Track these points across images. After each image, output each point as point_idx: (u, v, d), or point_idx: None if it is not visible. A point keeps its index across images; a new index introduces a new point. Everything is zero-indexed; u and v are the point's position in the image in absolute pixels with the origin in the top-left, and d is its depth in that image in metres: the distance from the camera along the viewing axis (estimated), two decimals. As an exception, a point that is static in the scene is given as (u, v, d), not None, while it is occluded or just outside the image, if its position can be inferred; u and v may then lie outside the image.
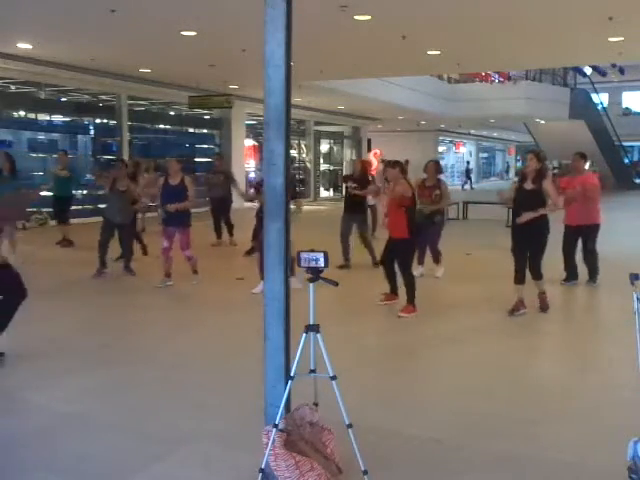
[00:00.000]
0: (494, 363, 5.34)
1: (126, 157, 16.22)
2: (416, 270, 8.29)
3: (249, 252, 10.05)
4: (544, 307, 6.85)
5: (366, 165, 10.36)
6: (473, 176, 40.53)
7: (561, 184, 8.30)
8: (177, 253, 8.20)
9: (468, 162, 40.34)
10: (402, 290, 6.94)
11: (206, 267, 8.63)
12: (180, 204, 7.89)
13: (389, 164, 7.29)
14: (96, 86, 15.94)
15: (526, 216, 6.43)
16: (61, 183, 11.45)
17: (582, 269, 8.40)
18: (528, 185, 6.56)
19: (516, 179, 7.95)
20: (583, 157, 8.28)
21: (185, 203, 7.95)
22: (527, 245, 6.62)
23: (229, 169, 14.14)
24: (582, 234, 8.21)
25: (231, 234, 11.91)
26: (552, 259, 7.57)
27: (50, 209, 12.59)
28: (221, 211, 11.83)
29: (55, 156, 13.40)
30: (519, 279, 6.71)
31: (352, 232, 9.59)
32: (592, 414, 4.29)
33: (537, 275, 6.71)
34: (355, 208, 9.52)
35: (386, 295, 7.20)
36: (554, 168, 30.24)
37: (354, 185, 9.47)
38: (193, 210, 8.29)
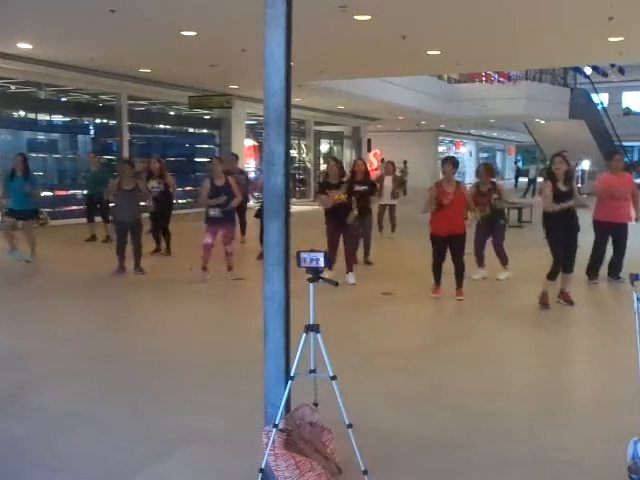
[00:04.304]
0: (495, 363, 5.34)
1: (126, 157, 16.28)
2: (477, 274, 8.44)
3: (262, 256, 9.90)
4: (570, 301, 7.11)
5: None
6: (473, 176, 40.54)
7: (600, 182, 8.76)
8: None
9: (517, 162, 42.01)
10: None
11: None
12: (235, 201, 8.41)
13: (448, 159, 7.54)
14: (96, 86, 15.93)
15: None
16: (96, 182, 11.82)
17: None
18: (562, 187, 6.80)
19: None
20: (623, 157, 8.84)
21: (236, 200, 8.44)
22: (569, 240, 6.86)
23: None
24: (614, 231, 8.38)
25: (243, 232, 12.09)
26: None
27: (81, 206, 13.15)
28: (240, 210, 11.88)
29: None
30: (555, 276, 6.90)
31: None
32: (592, 414, 4.30)
33: (572, 268, 6.98)
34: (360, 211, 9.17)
35: (437, 288, 7.49)
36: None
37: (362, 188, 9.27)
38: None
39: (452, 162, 7.45)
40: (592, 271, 8.49)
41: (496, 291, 8.09)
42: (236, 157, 13.76)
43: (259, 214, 9.84)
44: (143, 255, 8.98)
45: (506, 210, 8.73)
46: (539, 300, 6.93)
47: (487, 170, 8.58)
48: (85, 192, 12.76)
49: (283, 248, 3.15)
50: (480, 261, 8.65)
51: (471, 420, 4.09)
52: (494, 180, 8.62)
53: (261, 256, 9.76)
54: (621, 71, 29.60)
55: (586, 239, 8.43)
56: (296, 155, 25.01)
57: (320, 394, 3.32)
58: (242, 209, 11.98)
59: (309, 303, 3.16)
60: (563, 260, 6.88)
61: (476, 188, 8.46)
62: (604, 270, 8.59)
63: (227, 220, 8.45)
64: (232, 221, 8.67)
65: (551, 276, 6.89)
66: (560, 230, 6.86)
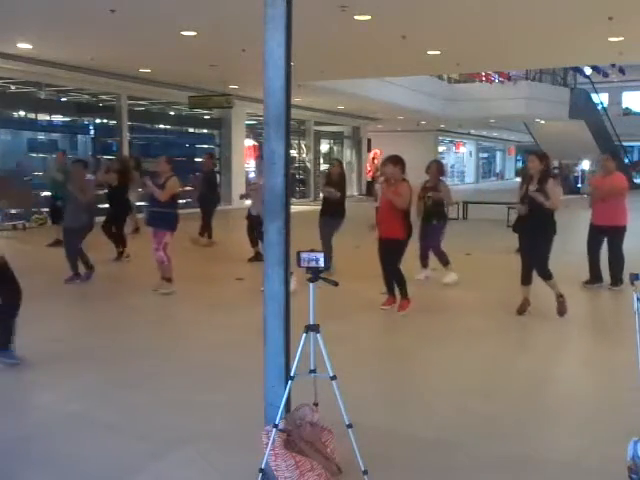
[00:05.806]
0: (494, 363, 5.34)
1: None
2: (419, 274, 8.35)
3: (254, 258, 9.52)
4: (561, 311, 6.60)
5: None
6: (472, 176, 40.51)
7: (593, 183, 8.70)
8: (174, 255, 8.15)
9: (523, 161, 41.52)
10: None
11: (206, 266, 8.63)
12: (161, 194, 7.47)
13: (389, 160, 6.73)
14: (96, 86, 15.93)
15: (535, 195, 6.29)
16: (59, 184, 10.92)
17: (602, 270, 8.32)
18: (533, 187, 6.46)
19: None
20: (613, 157, 8.53)
21: (162, 192, 7.45)
22: (531, 245, 6.58)
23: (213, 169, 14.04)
24: (607, 235, 8.10)
25: (210, 236, 11.87)
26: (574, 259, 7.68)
27: (47, 209, 12.67)
28: (206, 211, 11.85)
29: (54, 156, 13.52)
30: (524, 280, 6.71)
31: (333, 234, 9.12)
32: (592, 414, 4.29)
33: (544, 275, 6.58)
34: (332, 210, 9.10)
35: (387, 299, 6.99)
36: (554, 168, 30.19)
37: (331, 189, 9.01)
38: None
39: (393, 161, 6.65)
40: (591, 274, 8.25)
41: (492, 292, 8.09)
42: (210, 156, 13.81)
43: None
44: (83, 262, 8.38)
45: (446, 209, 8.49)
46: (517, 310, 6.70)
47: (438, 168, 8.44)
48: (49, 193, 11.97)
49: (283, 248, 3.15)
50: (422, 262, 8.50)
51: (471, 420, 4.09)
52: (442, 178, 8.45)
53: (252, 259, 9.76)
54: (622, 71, 29.63)
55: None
56: (296, 155, 25.00)
57: (320, 394, 3.32)
58: (209, 210, 11.87)
59: (309, 303, 3.16)
60: (535, 267, 6.60)
61: (424, 183, 8.36)
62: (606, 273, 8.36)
63: (157, 222, 7.59)
64: (164, 226, 7.54)
65: (522, 281, 6.72)
66: (521, 234, 6.67)
